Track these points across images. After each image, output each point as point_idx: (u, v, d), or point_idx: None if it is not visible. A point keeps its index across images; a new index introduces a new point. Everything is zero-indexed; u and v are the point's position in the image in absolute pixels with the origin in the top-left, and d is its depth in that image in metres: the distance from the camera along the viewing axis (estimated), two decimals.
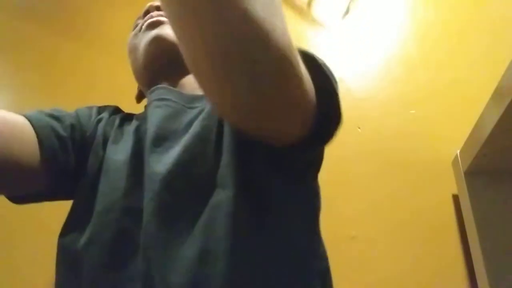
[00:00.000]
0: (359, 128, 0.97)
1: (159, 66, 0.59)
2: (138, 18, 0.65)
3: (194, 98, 0.55)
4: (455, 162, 0.86)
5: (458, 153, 0.84)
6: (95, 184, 0.49)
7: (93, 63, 1.14)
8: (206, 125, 0.48)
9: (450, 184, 0.87)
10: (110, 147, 0.53)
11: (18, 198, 0.51)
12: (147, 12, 0.63)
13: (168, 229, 0.42)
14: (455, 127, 0.90)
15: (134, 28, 0.65)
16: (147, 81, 0.62)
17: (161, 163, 0.46)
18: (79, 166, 0.52)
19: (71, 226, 0.49)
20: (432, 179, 0.90)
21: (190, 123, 0.50)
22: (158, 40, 0.58)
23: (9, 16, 1.22)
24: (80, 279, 0.44)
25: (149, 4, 0.63)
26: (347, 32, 1.09)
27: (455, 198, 0.87)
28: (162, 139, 0.49)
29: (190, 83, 0.59)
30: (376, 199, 0.90)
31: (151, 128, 0.50)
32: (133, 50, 0.63)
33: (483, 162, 0.76)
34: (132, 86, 1.08)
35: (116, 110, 0.62)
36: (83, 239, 0.45)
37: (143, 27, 0.61)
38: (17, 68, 1.18)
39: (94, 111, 0.60)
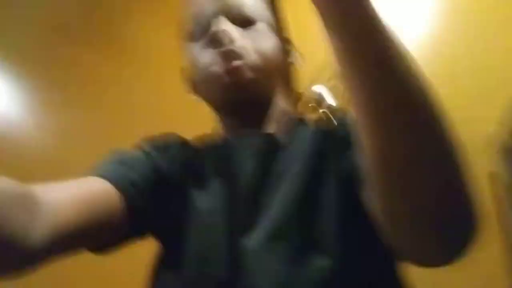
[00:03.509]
0: None
1: (239, 107, 0.57)
2: (198, 36, 0.57)
3: (281, 141, 0.54)
4: (491, 140, 0.84)
5: (493, 132, 0.82)
6: (182, 229, 0.50)
7: (131, 80, 1.16)
8: (299, 182, 0.49)
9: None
10: (194, 192, 0.53)
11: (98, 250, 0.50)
12: (213, 41, 0.54)
13: (266, 283, 0.44)
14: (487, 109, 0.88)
15: (192, 37, 0.57)
16: (220, 108, 0.60)
17: (258, 225, 0.47)
18: (157, 210, 0.52)
19: (164, 269, 0.50)
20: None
21: (282, 173, 0.50)
22: (238, 91, 0.54)
23: (46, 34, 1.24)
24: None
25: (214, 30, 0.54)
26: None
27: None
28: (257, 194, 0.49)
29: (270, 120, 0.58)
30: None
31: (244, 182, 0.50)
32: (203, 82, 0.57)
33: None
34: (168, 101, 1.10)
35: (181, 143, 0.59)
36: (181, 283, 0.47)
37: (216, 70, 0.53)
38: (54, 85, 1.21)
39: (162, 148, 0.57)
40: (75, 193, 0.42)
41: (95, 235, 0.44)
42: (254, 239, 0.46)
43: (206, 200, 0.51)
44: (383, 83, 0.31)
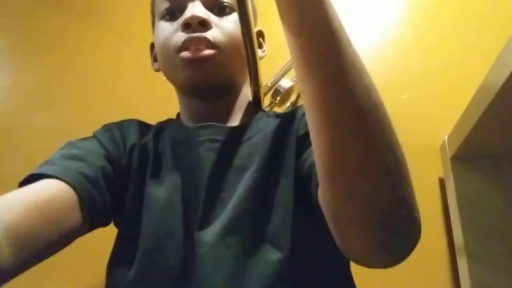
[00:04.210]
0: None
1: (202, 88, 0.57)
2: (171, 15, 0.57)
3: (242, 131, 0.55)
4: (442, 147, 0.88)
5: (446, 139, 0.87)
6: (138, 218, 0.50)
7: (96, 43, 1.13)
8: (257, 178, 0.49)
9: (437, 167, 0.90)
10: (149, 180, 0.52)
11: None
12: (187, 25, 0.54)
13: (219, 276, 0.45)
14: (446, 112, 0.92)
15: (166, 19, 0.57)
16: (184, 88, 0.60)
17: (215, 218, 0.48)
18: (116, 199, 0.51)
19: (118, 259, 0.51)
20: (420, 162, 0.93)
21: (242, 168, 0.51)
22: (204, 80, 0.55)
23: None
24: None
25: (190, 14, 0.54)
26: (340, 14, 1.09)
27: (441, 181, 0.90)
28: (215, 188, 0.50)
29: (234, 111, 0.59)
30: None
31: (204, 175, 0.51)
32: (170, 65, 0.57)
33: (469, 148, 0.79)
34: (133, 65, 1.08)
35: (141, 129, 0.58)
36: (130, 275, 0.47)
37: (185, 55, 0.54)
38: (17, 48, 1.16)
39: (117, 135, 0.56)
40: (35, 205, 0.41)
41: (58, 239, 0.43)
42: (209, 232, 0.47)
43: (164, 189, 0.51)
44: (333, 88, 0.32)
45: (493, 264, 0.76)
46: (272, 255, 0.45)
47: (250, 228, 0.47)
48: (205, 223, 0.48)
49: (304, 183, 0.47)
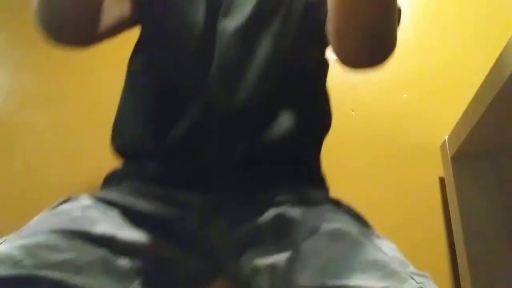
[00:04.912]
0: (353, 111, 0.99)
1: None
2: None
3: None
4: (443, 146, 0.88)
5: (446, 138, 0.87)
6: (166, 10, 0.57)
7: None
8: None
9: (438, 167, 0.90)
10: None
11: None
12: None
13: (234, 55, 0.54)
14: (446, 112, 0.92)
15: None
16: None
17: (238, 15, 0.56)
18: None
19: (144, 46, 0.61)
20: (421, 161, 0.93)
21: None
22: None
23: None
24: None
25: None
26: None
27: (442, 181, 0.90)
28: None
29: None
30: (366, 180, 0.93)
31: None
32: None
33: (470, 148, 0.79)
34: None
35: None
36: (152, 58, 0.58)
37: None
38: (16, 47, 1.16)
39: None
40: None
41: (118, 18, 0.59)
42: (230, 24, 0.55)
43: None
44: None
45: (493, 264, 0.76)
46: (275, 52, 0.55)
47: (263, 25, 0.56)
48: (227, 17, 0.55)
49: (314, 10, 0.56)
